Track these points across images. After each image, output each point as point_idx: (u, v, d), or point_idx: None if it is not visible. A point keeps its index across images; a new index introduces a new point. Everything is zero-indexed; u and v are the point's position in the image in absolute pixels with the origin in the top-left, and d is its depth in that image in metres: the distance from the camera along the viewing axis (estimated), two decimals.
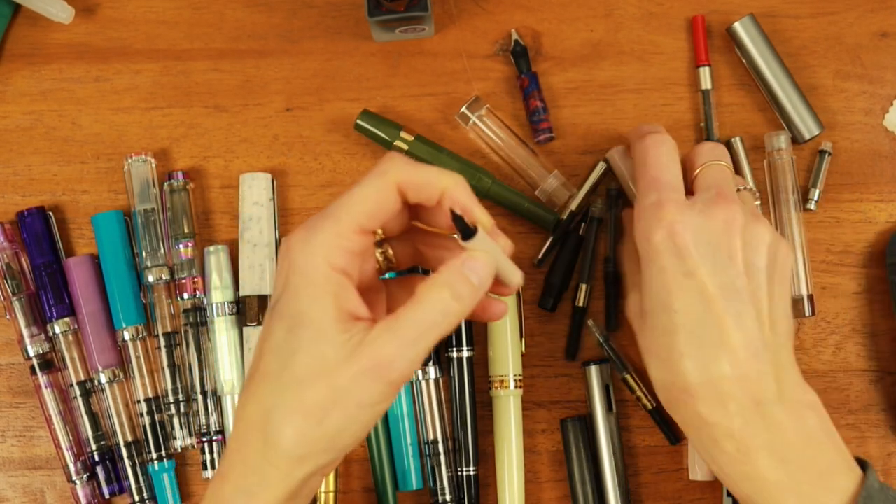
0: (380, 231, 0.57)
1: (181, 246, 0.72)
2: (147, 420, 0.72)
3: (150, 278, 0.72)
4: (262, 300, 0.71)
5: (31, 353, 0.71)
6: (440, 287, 0.51)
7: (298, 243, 0.51)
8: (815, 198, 0.74)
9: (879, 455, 0.73)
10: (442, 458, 0.71)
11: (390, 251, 0.58)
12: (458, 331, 0.72)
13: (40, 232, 0.73)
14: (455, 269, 0.51)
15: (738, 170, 0.74)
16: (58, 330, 0.72)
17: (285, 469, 0.51)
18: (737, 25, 0.73)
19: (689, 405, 0.58)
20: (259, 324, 0.71)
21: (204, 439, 0.72)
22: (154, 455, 0.71)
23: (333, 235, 0.50)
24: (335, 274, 0.50)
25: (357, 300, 0.52)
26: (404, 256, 0.59)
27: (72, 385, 0.72)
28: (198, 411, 0.72)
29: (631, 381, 0.71)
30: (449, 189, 0.52)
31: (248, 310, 0.71)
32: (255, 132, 0.75)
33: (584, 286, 0.72)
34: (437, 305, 0.50)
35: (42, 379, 0.71)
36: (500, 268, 0.55)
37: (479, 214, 0.53)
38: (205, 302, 0.72)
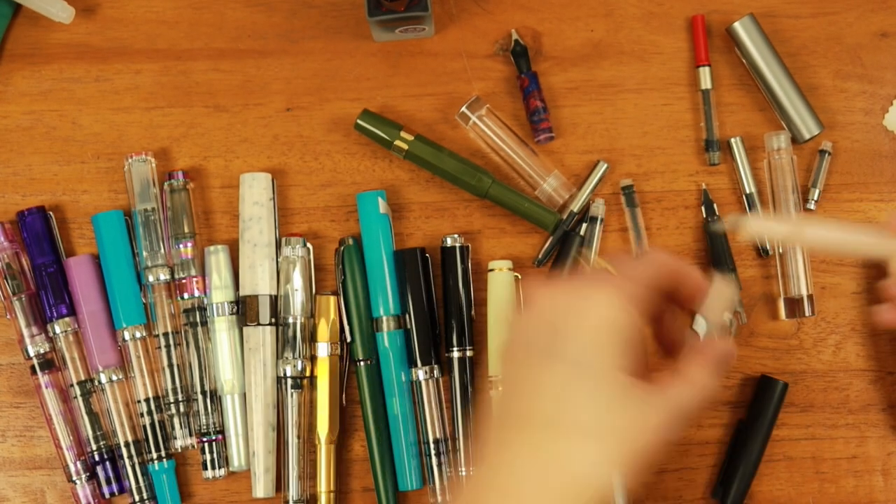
0: None
1: (181, 246, 0.72)
2: (147, 420, 0.72)
3: (151, 278, 0.72)
4: (262, 300, 0.71)
5: (32, 353, 0.71)
6: (709, 376, 0.54)
7: (609, 297, 0.52)
8: (815, 198, 0.74)
9: (879, 455, 0.73)
10: (442, 458, 0.71)
11: None
12: (458, 330, 0.72)
13: (40, 232, 0.73)
14: (721, 359, 0.54)
15: (738, 170, 0.74)
16: (58, 330, 0.72)
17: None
18: (737, 25, 0.73)
19: None
20: (259, 324, 0.71)
21: (204, 439, 0.72)
22: (154, 455, 0.71)
23: (642, 289, 0.53)
24: (641, 330, 0.53)
25: (640, 363, 0.53)
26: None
27: (72, 385, 0.72)
28: (198, 411, 0.72)
29: None
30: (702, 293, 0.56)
31: (249, 310, 0.71)
32: (256, 132, 0.75)
33: None
34: (701, 393, 0.53)
35: (42, 379, 0.71)
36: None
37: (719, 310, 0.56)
38: (205, 302, 0.72)
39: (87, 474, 0.71)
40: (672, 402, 0.52)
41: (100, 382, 0.72)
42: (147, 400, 0.72)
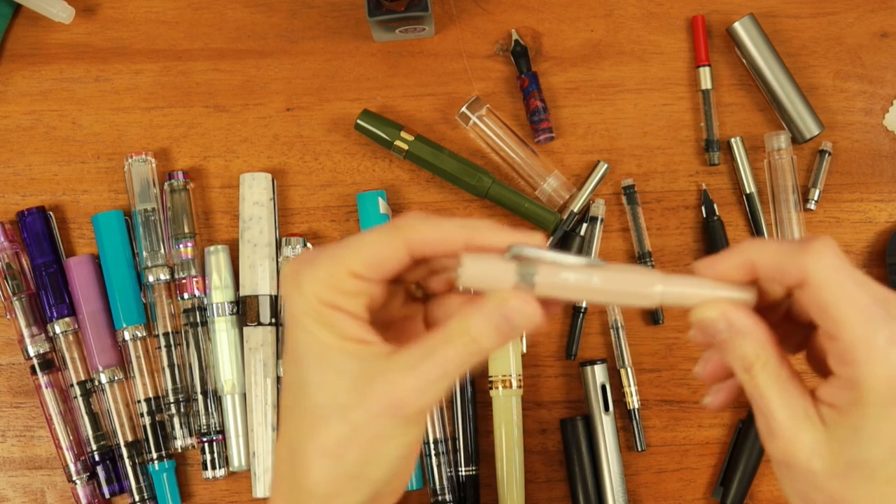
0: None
1: (181, 246, 0.72)
2: (147, 420, 0.72)
3: (151, 278, 0.72)
4: (263, 300, 0.72)
5: (32, 353, 0.71)
6: (470, 329, 0.47)
7: (292, 275, 0.48)
8: (815, 198, 0.74)
9: None
10: (442, 458, 0.71)
11: (425, 283, 0.53)
12: None
13: (40, 232, 0.73)
14: (490, 313, 0.46)
15: (738, 170, 0.74)
16: (58, 330, 0.72)
17: None
18: (737, 25, 0.73)
19: None
20: (259, 324, 0.71)
21: (204, 439, 0.72)
22: (154, 455, 0.71)
23: (326, 274, 0.47)
24: (327, 308, 0.47)
25: (360, 329, 0.48)
26: (441, 283, 0.53)
27: (72, 385, 0.72)
28: (198, 411, 0.72)
29: (623, 377, 0.72)
30: (472, 239, 0.47)
31: (249, 310, 0.71)
32: (256, 132, 0.75)
33: None
34: (466, 348, 0.46)
35: (42, 379, 0.72)
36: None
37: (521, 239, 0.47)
38: (205, 302, 0.72)
39: (87, 474, 0.72)
40: (424, 369, 0.46)
41: (100, 382, 0.72)
42: (147, 400, 0.72)
